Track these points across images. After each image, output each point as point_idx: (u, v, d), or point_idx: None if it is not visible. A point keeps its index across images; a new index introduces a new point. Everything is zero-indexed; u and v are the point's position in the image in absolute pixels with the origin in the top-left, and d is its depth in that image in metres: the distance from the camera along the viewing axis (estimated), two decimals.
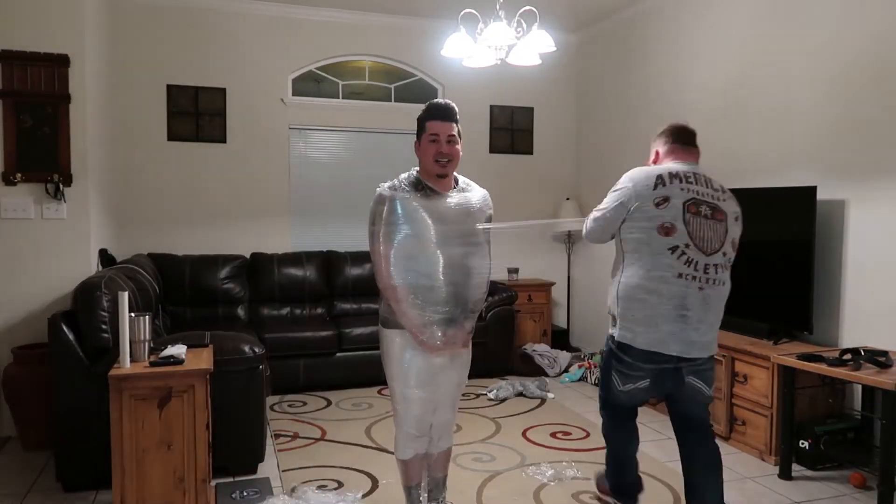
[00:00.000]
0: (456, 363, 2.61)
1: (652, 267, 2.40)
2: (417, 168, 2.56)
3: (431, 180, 2.51)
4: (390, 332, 2.55)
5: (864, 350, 3.19)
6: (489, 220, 2.63)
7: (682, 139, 2.60)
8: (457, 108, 2.55)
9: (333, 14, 5.45)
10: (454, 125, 2.51)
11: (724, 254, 2.45)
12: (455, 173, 2.59)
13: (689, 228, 2.39)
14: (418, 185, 2.49)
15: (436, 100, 2.59)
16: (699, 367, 2.47)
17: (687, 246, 2.38)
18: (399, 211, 2.43)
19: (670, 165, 2.53)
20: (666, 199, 2.40)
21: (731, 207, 2.51)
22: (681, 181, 2.45)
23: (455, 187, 2.56)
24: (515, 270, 5.91)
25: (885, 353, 3.13)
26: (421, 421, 2.59)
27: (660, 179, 2.44)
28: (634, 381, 2.51)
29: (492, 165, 5.81)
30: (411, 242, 2.42)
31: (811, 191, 3.58)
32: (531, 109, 6.14)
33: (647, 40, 5.18)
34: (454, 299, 2.48)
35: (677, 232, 2.39)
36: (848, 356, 3.13)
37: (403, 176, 2.53)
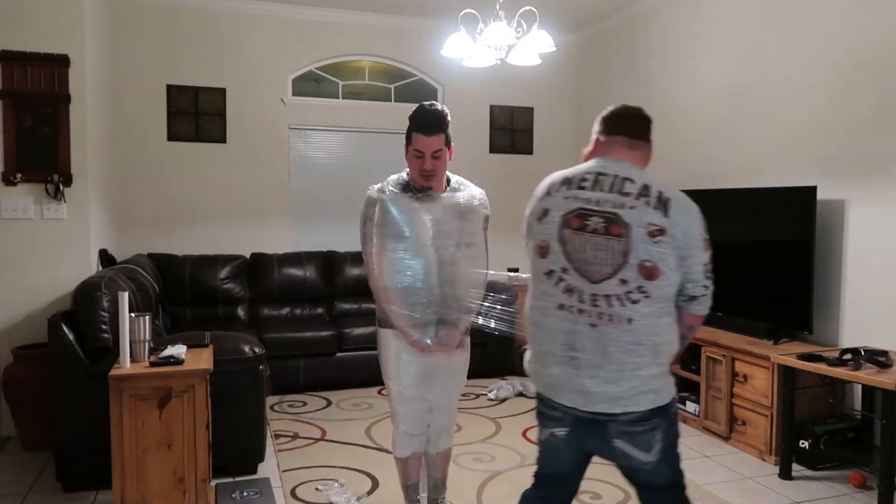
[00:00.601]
0: (452, 365, 2.60)
1: (535, 295, 1.95)
2: (408, 169, 2.55)
3: (416, 183, 2.50)
4: (386, 332, 2.56)
5: (864, 350, 3.19)
6: (486, 219, 2.60)
7: (609, 128, 2.01)
8: (446, 113, 2.46)
9: (333, 14, 5.45)
10: (441, 136, 2.43)
11: (624, 281, 1.78)
12: (449, 173, 2.57)
13: (567, 248, 1.84)
14: (408, 187, 2.48)
15: (425, 106, 2.46)
16: (628, 427, 1.85)
17: (564, 270, 1.84)
18: (389, 212, 2.42)
19: (579, 166, 1.97)
20: (546, 212, 1.91)
21: (646, 217, 1.78)
22: (569, 187, 1.89)
23: (448, 187, 2.54)
24: (515, 270, 5.91)
25: (885, 353, 3.13)
26: (416, 420, 2.60)
27: (551, 186, 1.94)
28: (551, 427, 1.96)
29: (492, 165, 5.81)
30: (401, 244, 2.42)
31: (811, 191, 3.58)
32: (531, 109, 6.14)
33: (647, 40, 5.18)
34: (445, 300, 2.47)
35: (552, 253, 1.87)
36: (848, 356, 3.13)
37: (394, 177, 2.52)
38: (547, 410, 1.96)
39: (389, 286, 2.43)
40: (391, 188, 2.48)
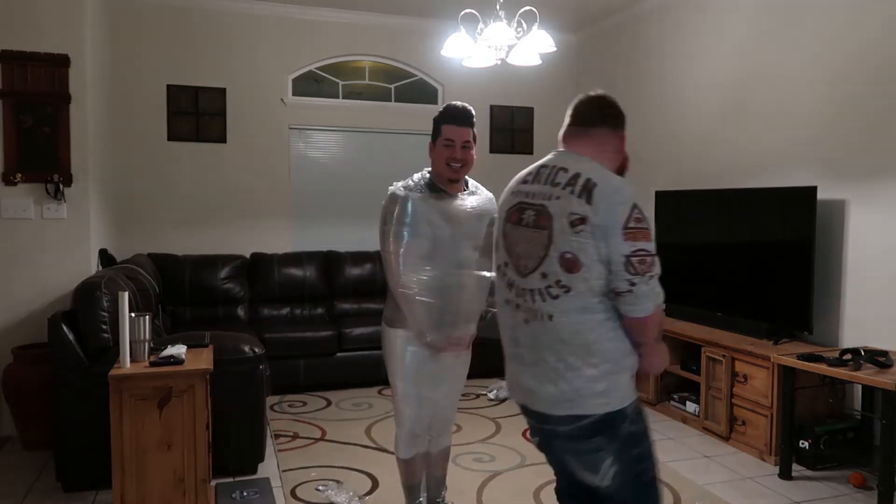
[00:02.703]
0: (457, 363, 2.62)
1: (495, 289, 1.98)
2: (429, 169, 2.55)
3: (443, 182, 2.50)
4: (394, 332, 2.55)
5: (864, 350, 3.19)
6: (492, 223, 2.61)
7: (572, 119, 1.92)
8: (474, 112, 2.53)
9: (333, 14, 5.45)
10: (470, 130, 2.49)
11: (545, 275, 1.71)
12: (465, 176, 2.58)
13: (507, 242, 1.85)
14: (431, 187, 2.48)
15: (453, 102, 2.54)
16: (571, 444, 1.78)
17: (506, 265, 1.85)
18: (412, 211, 2.41)
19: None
20: (501, 210, 1.94)
21: (569, 206, 1.68)
22: (520, 181, 1.89)
23: (465, 190, 2.56)
24: None
25: (885, 353, 3.13)
26: (422, 420, 2.60)
27: (511, 184, 1.95)
28: (532, 433, 1.94)
29: (492, 165, 5.80)
30: (423, 243, 2.41)
31: (811, 191, 3.58)
32: (531, 109, 6.14)
33: (648, 40, 5.18)
34: (463, 301, 2.47)
35: (499, 248, 1.91)
36: (848, 356, 3.13)
37: (417, 176, 2.52)
38: (524, 414, 1.90)
39: (410, 285, 2.41)
40: (416, 186, 2.47)
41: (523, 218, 1.79)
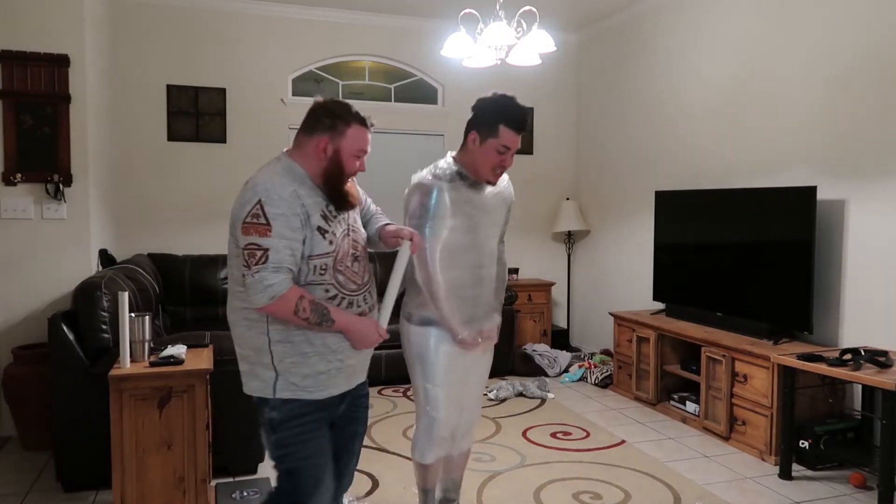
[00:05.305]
0: (483, 359, 2.53)
1: None
2: (453, 154, 2.39)
3: (472, 173, 2.34)
4: (424, 330, 2.37)
5: (864, 350, 3.19)
6: (510, 208, 2.56)
7: None
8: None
9: (333, 14, 5.45)
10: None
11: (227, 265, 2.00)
12: None
13: None
14: (462, 176, 2.33)
15: (515, 101, 2.32)
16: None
17: None
18: (446, 203, 2.26)
19: None
20: None
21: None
22: None
23: None
24: (515, 270, 5.91)
25: (885, 353, 3.12)
26: (451, 422, 2.45)
27: None
28: None
29: None
30: (458, 235, 2.29)
31: (811, 191, 3.58)
32: (531, 109, 6.12)
33: (647, 40, 5.18)
34: (492, 292, 2.38)
35: None
36: (848, 356, 3.13)
37: (443, 163, 2.35)
38: None
39: (443, 280, 2.27)
40: (445, 175, 2.30)
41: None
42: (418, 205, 2.27)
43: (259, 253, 1.78)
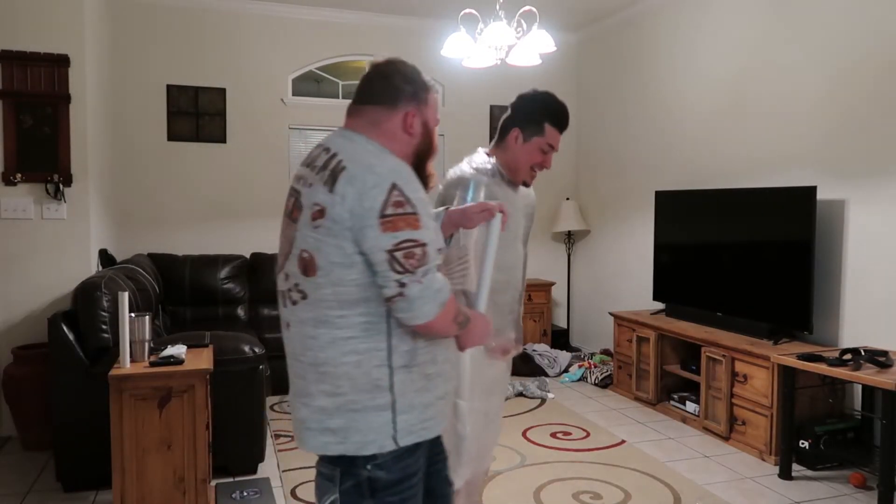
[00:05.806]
0: (505, 370, 2.40)
1: None
2: (487, 151, 2.26)
3: (508, 172, 2.22)
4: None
5: (864, 350, 3.19)
6: (532, 217, 2.45)
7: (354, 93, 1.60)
8: None
9: (333, 14, 5.45)
10: None
11: (287, 276, 1.45)
12: None
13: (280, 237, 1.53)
14: (501, 175, 2.19)
15: (559, 100, 2.22)
16: (319, 466, 1.50)
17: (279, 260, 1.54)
18: (489, 200, 2.05)
19: None
20: None
21: (314, 196, 1.40)
22: (302, 163, 1.55)
23: None
24: None
25: (885, 353, 3.13)
26: (479, 439, 2.24)
27: None
28: None
29: None
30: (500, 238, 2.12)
31: (811, 191, 3.58)
32: None
33: (647, 40, 5.18)
34: (517, 300, 2.26)
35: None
36: (848, 356, 3.13)
37: (479, 159, 2.21)
38: None
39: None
40: (485, 170, 2.16)
41: (287, 206, 1.49)
42: (461, 199, 2.09)
43: (418, 251, 1.33)
